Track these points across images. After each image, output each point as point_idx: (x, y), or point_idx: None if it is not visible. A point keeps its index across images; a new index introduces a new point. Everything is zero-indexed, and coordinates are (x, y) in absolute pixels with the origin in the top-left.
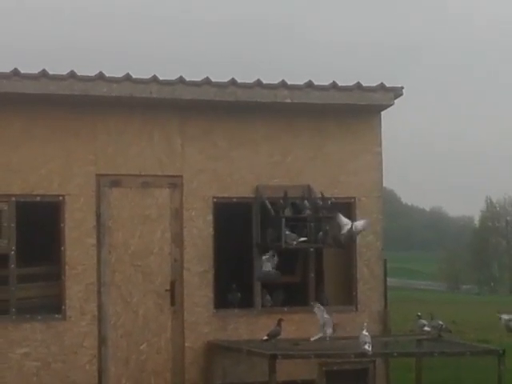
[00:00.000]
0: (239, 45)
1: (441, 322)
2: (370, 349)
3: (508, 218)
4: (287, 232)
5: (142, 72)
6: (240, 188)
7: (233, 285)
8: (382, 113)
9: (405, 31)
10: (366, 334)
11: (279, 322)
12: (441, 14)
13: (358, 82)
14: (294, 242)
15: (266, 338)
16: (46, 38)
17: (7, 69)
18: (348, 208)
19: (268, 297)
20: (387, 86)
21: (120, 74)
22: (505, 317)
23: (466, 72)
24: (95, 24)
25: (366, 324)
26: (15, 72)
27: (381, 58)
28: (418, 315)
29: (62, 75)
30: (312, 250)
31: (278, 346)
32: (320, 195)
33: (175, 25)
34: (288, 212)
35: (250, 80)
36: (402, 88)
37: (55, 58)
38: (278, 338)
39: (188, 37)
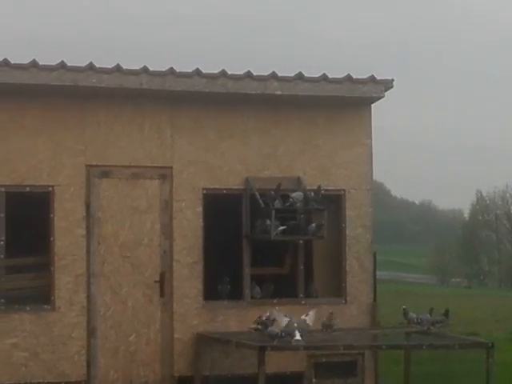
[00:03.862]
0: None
1: (428, 316)
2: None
3: (498, 212)
4: (268, 222)
5: (133, 63)
6: (230, 179)
7: (226, 277)
8: (373, 105)
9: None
10: (305, 318)
11: None
12: (437, 9)
13: (349, 74)
14: (274, 233)
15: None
16: (35, 29)
17: None
18: (338, 200)
19: (257, 289)
20: (377, 78)
21: (110, 65)
22: (412, 314)
23: (458, 67)
24: (86, 18)
25: (308, 314)
26: (5, 62)
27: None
28: (404, 308)
29: (52, 65)
30: (301, 242)
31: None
32: (312, 187)
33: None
34: (278, 204)
35: (240, 71)
36: (393, 80)
37: (45, 49)
38: None
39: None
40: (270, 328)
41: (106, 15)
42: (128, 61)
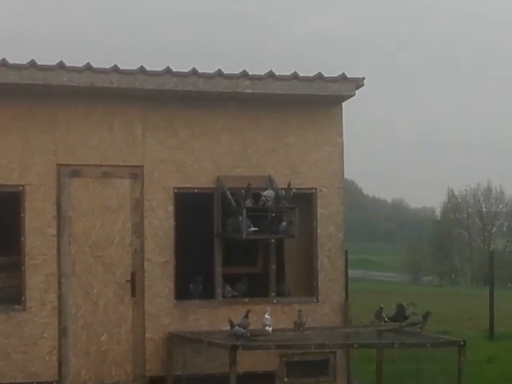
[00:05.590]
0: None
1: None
2: (271, 329)
3: (469, 210)
4: (240, 219)
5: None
6: (201, 178)
7: (198, 277)
8: (344, 103)
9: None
10: (268, 317)
11: (247, 313)
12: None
13: (320, 73)
14: (245, 233)
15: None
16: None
17: None
18: (309, 199)
19: (228, 287)
20: (348, 76)
21: (81, 64)
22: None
23: (429, 62)
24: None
25: (268, 309)
26: None
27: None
28: (381, 307)
29: (22, 64)
30: (273, 240)
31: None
32: (284, 186)
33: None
34: (249, 203)
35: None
36: (364, 79)
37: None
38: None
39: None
40: (236, 327)
41: None
42: None
